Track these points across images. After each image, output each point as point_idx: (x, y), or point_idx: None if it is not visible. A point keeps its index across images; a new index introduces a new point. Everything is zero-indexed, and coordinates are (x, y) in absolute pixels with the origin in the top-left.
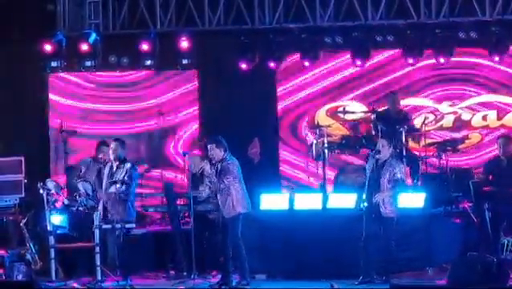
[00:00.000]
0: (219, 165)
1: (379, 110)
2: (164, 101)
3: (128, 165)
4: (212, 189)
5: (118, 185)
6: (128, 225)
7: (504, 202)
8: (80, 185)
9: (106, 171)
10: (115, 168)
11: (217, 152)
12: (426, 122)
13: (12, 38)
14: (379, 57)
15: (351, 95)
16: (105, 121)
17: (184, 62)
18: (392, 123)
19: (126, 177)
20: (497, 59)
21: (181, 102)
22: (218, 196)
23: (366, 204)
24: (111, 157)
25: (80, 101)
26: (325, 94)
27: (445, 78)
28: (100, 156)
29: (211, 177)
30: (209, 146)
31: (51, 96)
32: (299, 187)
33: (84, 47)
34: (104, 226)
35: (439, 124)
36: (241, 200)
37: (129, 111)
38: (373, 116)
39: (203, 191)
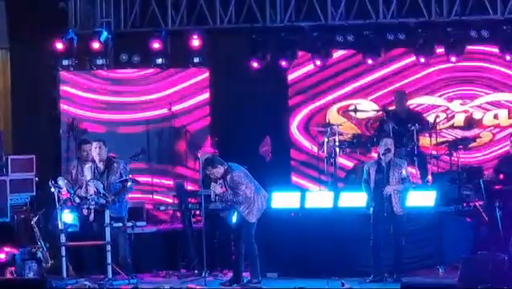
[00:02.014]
0: (226, 180)
1: (391, 109)
2: (175, 100)
3: (121, 165)
4: (229, 203)
5: (129, 183)
6: (139, 224)
7: None
8: (91, 183)
9: (89, 170)
10: (102, 167)
11: (216, 171)
12: (437, 121)
13: (23, 36)
14: (391, 55)
15: (362, 94)
16: (114, 118)
17: (196, 60)
18: (401, 122)
19: (128, 175)
20: (508, 57)
21: (192, 100)
22: (238, 207)
23: (373, 206)
24: (97, 158)
25: (90, 107)
26: (336, 92)
27: (457, 76)
28: (84, 154)
29: (228, 196)
30: (210, 170)
31: (62, 93)
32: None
33: (96, 45)
34: (115, 225)
35: (450, 123)
36: (261, 206)
37: (139, 109)
38: (384, 115)
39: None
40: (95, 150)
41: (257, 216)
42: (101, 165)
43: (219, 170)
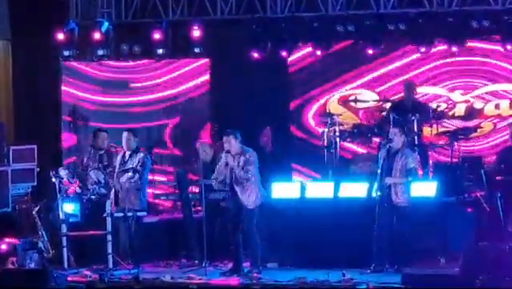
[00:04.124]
0: (241, 158)
1: (393, 98)
2: (176, 90)
3: (141, 154)
4: (226, 181)
5: (130, 174)
6: (139, 214)
7: None
8: (92, 173)
9: (118, 160)
10: (127, 157)
11: (233, 144)
12: (438, 110)
13: (25, 27)
14: (392, 45)
15: (363, 84)
16: (116, 110)
17: (196, 51)
18: (406, 112)
19: (139, 166)
20: (509, 47)
21: (193, 90)
22: (240, 187)
23: (379, 193)
24: (124, 147)
25: (92, 93)
26: (337, 82)
27: (458, 67)
28: (99, 141)
29: (235, 169)
30: (224, 138)
31: (63, 86)
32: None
33: (97, 36)
34: (116, 214)
35: (451, 113)
36: (261, 191)
37: (140, 101)
38: (386, 105)
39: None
40: (123, 139)
41: (256, 203)
42: (127, 155)
43: (235, 145)
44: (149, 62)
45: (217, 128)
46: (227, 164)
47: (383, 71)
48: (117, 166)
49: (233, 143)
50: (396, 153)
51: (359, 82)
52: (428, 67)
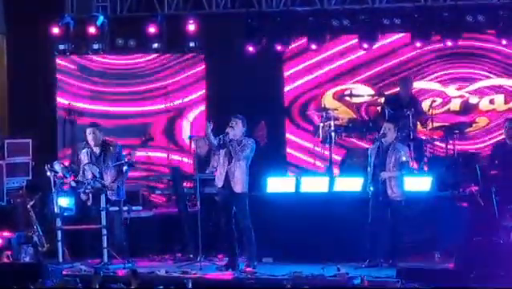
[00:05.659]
0: (242, 142)
1: (388, 93)
2: (171, 84)
3: (117, 148)
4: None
5: (125, 168)
6: (135, 208)
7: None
8: (88, 168)
9: (86, 155)
10: (98, 152)
11: (239, 127)
12: (433, 105)
13: (20, 21)
14: (387, 40)
15: (358, 78)
16: (113, 103)
17: (192, 45)
18: (400, 107)
19: (127, 159)
20: (504, 42)
21: (188, 85)
22: (232, 169)
23: (372, 188)
24: (92, 143)
25: (87, 83)
26: (332, 77)
27: (453, 61)
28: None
29: (233, 142)
30: (233, 119)
31: (59, 76)
32: (305, 171)
33: (92, 30)
34: (111, 209)
35: (446, 108)
36: (247, 178)
37: (137, 93)
38: (381, 100)
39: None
40: (89, 136)
41: (242, 187)
42: (97, 150)
43: (240, 129)
44: (145, 56)
45: (214, 124)
46: (223, 141)
47: (378, 65)
48: (85, 161)
49: (240, 126)
50: (388, 148)
51: (354, 76)
52: (423, 61)
